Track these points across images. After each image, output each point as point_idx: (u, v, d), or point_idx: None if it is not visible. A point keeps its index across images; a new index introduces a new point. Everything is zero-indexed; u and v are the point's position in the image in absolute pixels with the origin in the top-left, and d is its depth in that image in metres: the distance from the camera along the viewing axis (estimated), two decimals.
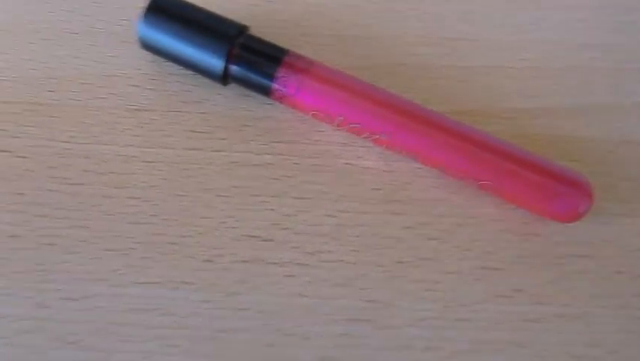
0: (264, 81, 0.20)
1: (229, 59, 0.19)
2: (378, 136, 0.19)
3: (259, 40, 0.20)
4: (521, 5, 0.23)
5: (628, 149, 0.21)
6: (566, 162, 0.20)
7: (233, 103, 0.21)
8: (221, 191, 0.20)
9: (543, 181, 0.19)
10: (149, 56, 0.21)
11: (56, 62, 0.22)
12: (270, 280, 0.19)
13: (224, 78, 0.20)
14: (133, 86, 0.21)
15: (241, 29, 0.20)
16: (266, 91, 0.20)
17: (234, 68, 0.20)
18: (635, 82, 0.22)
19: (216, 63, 0.19)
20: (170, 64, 0.21)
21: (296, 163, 0.20)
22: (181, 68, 0.21)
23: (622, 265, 0.19)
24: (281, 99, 0.20)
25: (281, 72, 0.19)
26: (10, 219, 0.19)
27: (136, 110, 0.21)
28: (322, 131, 0.21)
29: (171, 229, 0.19)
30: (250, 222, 0.19)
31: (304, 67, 0.19)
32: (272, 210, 0.20)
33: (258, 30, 0.21)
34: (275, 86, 0.19)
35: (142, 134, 0.20)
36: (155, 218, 0.19)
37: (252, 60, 0.20)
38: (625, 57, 0.23)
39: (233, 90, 0.21)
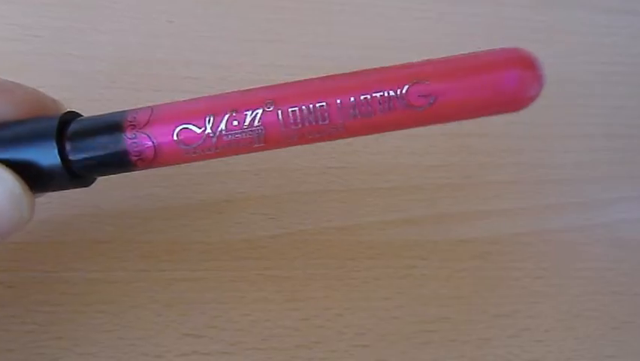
0: (117, 157, 0.18)
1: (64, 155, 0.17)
2: (261, 109, 0.17)
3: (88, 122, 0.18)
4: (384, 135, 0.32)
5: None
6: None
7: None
8: (166, 301, 0.27)
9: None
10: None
11: None
12: None
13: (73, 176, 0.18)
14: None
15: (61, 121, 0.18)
16: (124, 162, 0.18)
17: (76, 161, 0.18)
18: (474, 194, 0.31)
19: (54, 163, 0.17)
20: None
21: (220, 276, 0.28)
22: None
23: None
24: (146, 162, 0.18)
25: (128, 136, 0.18)
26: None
27: (99, 242, 0.28)
28: (240, 252, 0.28)
29: (130, 333, 0.26)
30: (188, 324, 0.26)
31: (147, 117, 0.18)
32: (203, 313, 0.27)
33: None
34: (131, 153, 0.18)
35: (103, 261, 0.27)
36: (118, 326, 0.26)
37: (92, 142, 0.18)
38: (464, 173, 0.31)
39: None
